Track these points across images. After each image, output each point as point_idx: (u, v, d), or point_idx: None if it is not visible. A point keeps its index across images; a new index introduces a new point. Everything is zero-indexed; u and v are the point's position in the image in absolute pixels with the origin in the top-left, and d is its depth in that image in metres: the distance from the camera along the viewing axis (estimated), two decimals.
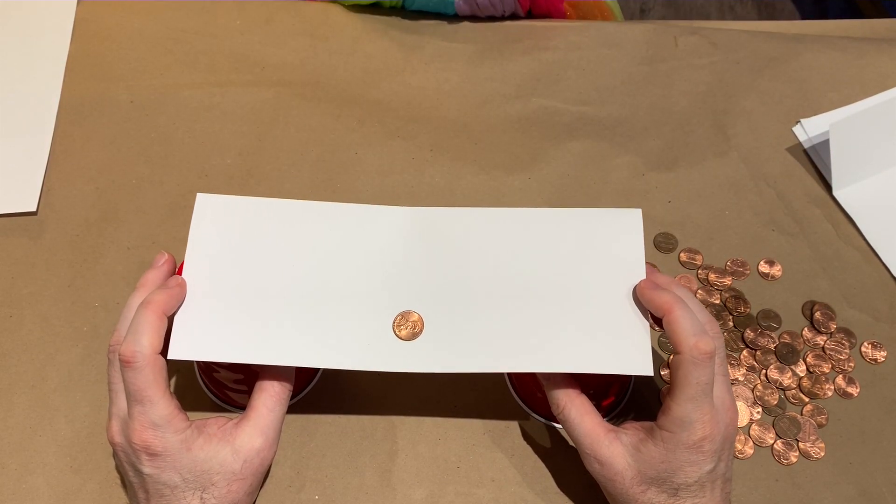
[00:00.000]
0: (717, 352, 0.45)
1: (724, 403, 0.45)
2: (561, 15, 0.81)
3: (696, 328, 0.44)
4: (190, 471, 0.44)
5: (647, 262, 0.49)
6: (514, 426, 0.56)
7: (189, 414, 0.48)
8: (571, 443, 0.49)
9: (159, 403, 0.43)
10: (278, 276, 0.49)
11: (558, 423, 0.56)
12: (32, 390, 0.57)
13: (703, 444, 0.43)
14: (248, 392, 0.54)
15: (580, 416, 0.47)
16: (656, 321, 0.47)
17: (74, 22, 0.79)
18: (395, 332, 0.48)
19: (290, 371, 0.49)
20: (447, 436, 0.56)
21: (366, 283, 0.50)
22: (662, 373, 0.59)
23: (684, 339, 0.43)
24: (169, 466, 0.43)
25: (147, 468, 0.43)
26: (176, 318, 0.47)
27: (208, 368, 0.54)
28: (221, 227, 0.50)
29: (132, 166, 0.69)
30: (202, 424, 0.46)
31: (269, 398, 0.47)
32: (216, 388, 0.56)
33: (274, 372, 0.48)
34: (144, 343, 0.43)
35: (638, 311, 0.48)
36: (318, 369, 0.58)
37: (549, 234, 0.51)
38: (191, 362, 0.58)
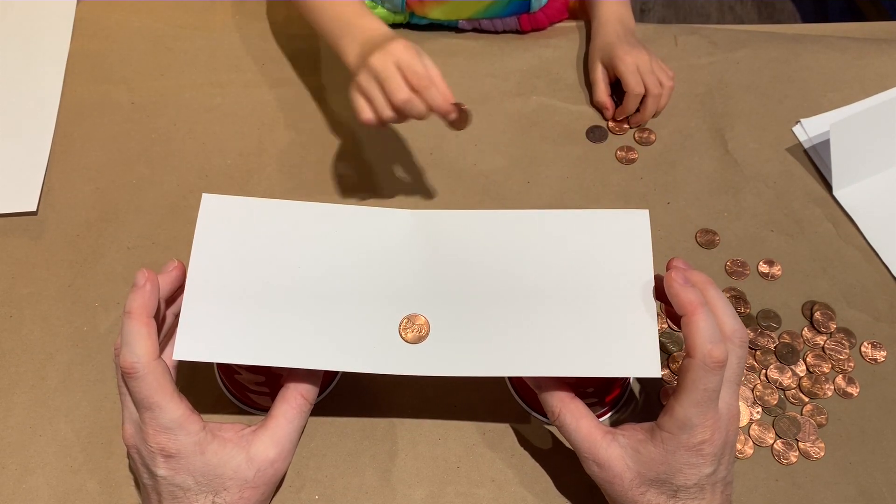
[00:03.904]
0: (738, 359, 0.44)
1: (730, 410, 0.45)
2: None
3: (713, 336, 0.43)
4: (203, 474, 0.43)
5: (678, 259, 0.48)
6: (514, 426, 0.56)
7: (209, 416, 0.48)
8: (569, 446, 0.49)
9: (167, 407, 0.43)
10: (284, 277, 0.49)
11: None
12: (32, 390, 0.57)
13: (702, 447, 0.43)
14: (270, 394, 0.53)
15: (576, 421, 0.47)
16: (671, 316, 0.47)
17: (74, 21, 0.79)
18: (401, 335, 0.48)
19: (315, 380, 0.48)
20: (447, 436, 0.56)
21: (372, 285, 0.50)
22: (662, 372, 0.59)
23: (700, 344, 0.43)
24: (183, 468, 0.43)
25: (162, 470, 0.43)
26: (181, 318, 0.47)
27: (229, 370, 0.54)
28: (227, 227, 0.50)
29: (132, 166, 0.69)
30: (217, 428, 0.45)
31: (290, 409, 0.47)
32: (237, 391, 0.56)
33: (298, 381, 0.48)
34: (139, 353, 0.43)
35: (646, 312, 0.48)
36: (334, 378, 0.58)
37: (556, 236, 0.51)
38: (211, 365, 0.58)
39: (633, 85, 0.70)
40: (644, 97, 0.70)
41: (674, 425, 0.43)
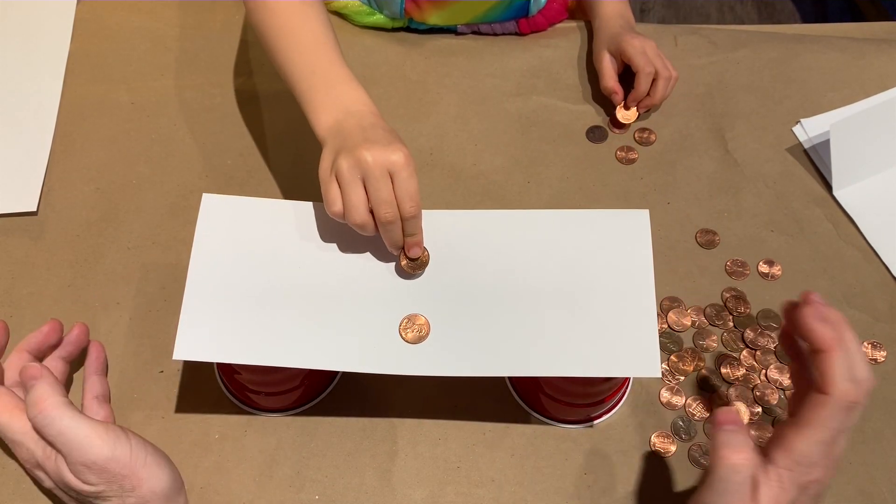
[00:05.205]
0: (861, 407, 0.43)
1: (841, 451, 0.43)
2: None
3: (852, 374, 0.42)
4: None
5: (814, 293, 0.44)
6: (514, 426, 0.56)
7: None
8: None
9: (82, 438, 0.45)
10: (284, 277, 0.49)
11: (558, 421, 0.56)
12: None
13: (810, 487, 0.42)
14: (270, 394, 0.54)
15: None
16: (790, 349, 0.46)
17: (74, 21, 0.79)
18: (401, 335, 0.48)
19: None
20: (447, 436, 0.56)
21: (372, 285, 0.50)
22: (662, 372, 0.59)
23: (838, 382, 0.41)
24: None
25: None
26: (181, 318, 0.47)
27: (229, 370, 0.54)
28: (227, 227, 0.50)
29: (132, 166, 0.69)
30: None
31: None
32: (237, 391, 0.56)
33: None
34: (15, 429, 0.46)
35: (646, 312, 0.48)
36: (334, 378, 0.58)
37: (556, 236, 0.51)
38: (210, 365, 0.58)
39: (644, 64, 0.69)
40: (655, 80, 0.70)
41: (793, 462, 0.41)
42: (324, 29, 0.56)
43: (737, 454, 0.41)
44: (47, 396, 0.45)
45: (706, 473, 0.43)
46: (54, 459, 0.45)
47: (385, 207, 0.48)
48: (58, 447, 0.44)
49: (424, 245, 0.51)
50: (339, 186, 0.49)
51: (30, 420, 0.45)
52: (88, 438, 0.44)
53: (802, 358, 0.46)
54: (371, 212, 0.49)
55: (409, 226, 0.49)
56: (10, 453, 0.54)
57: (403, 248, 0.50)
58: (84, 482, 0.44)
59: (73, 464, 0.44)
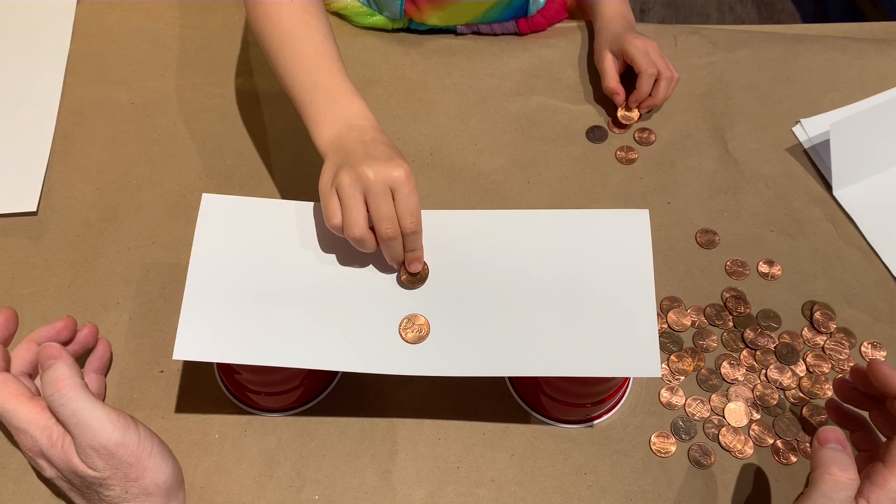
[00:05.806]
0: None
1: None
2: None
3: None
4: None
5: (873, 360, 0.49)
6: (514, 426, 0.56)
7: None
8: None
9: (98, 417, 0.45)
10: (284, 277, 0.49)
11: (558, 421, 0.56)
12: None
13: None
14: (270, 394, 0.54)
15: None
16: (845, 420, 0.50)
17: (74, 21, 0.79)
18: (401, 335, 0.48)
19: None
20: (447, 436, 0.56)
21: (372, 286, 0.50)
22: (662, 372, 0.59)
23: None
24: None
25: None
26: (181, 318, 0.47)
27: (229, 370, 0.54)
28: (227, 227, 0.50)
29: (132, 167, 0.69)
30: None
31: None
32: (237, 390, 0.56)
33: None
34: (22, 416, 0.46)
35: (646, 312, 0.48)
36: (334, 378, 0.58)
37: (555, 236, 0.51)
38: (211, 365, 0.58)
39: (646, 65, 0.69)
40: (657, 80, 0.70)
41: (886, 497, 0.44)
42: (326, 40, 0.57)
43: (844, 473, 0.44)
44: (66, 377, 0.45)
45: (807, 488, 0.45)
46: (62, 445, 0.45)
47: (386, 224, 0.48)
48: (70, 428, 0.44)
49: (424, 253, 0.51)
50: (340, 201, 0.49)
51: (45, 398, 0.45)
52: (101, 422, 0.44)
53: (859, 421, 0.51)
54: (370, 227, 0.49)
55: (409, 241, 0.49)
56: (10, 453, 0.55)
57: (404, 263, 0.50)
58: (91, 467, 0.44)
59: (83, 447, 0.44)
